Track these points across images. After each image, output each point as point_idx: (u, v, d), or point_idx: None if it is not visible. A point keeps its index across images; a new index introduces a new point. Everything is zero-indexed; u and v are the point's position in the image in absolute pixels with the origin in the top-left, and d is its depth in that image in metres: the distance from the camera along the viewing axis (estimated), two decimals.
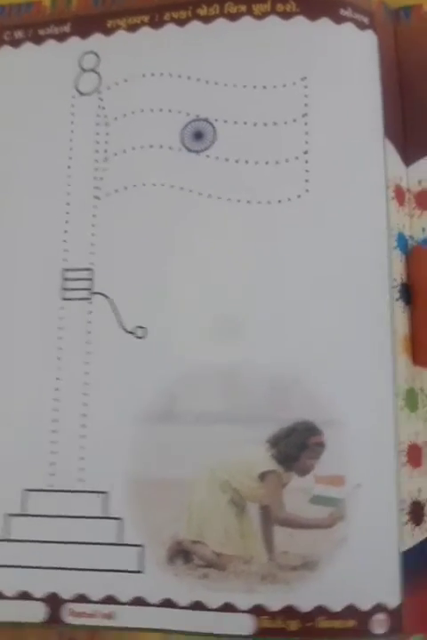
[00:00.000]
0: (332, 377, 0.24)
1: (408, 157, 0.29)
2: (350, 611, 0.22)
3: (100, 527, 0.25)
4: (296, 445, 0.24)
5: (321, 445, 0.23)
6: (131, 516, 0.24)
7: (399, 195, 0.28)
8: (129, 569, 0.24)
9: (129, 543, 0.24)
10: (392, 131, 0.28)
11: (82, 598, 0.24)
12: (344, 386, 0.24)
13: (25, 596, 0.24)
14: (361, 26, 0.29)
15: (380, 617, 0.22)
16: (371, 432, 0.24)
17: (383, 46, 0.29)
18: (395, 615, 0.22)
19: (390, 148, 0.28)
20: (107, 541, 0.24)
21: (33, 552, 0.25)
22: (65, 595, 0.24)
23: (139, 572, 0.24)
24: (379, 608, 0.22)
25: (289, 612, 0.23)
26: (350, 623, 0.22)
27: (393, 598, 0.23)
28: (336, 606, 0.22)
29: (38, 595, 0.24)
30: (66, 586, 0.24)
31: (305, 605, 0.23)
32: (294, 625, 0.23)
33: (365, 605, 0.23)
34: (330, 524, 0.23)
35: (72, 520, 0.25)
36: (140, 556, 0.24)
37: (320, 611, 0.22)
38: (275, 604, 0.23)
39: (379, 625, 0.22)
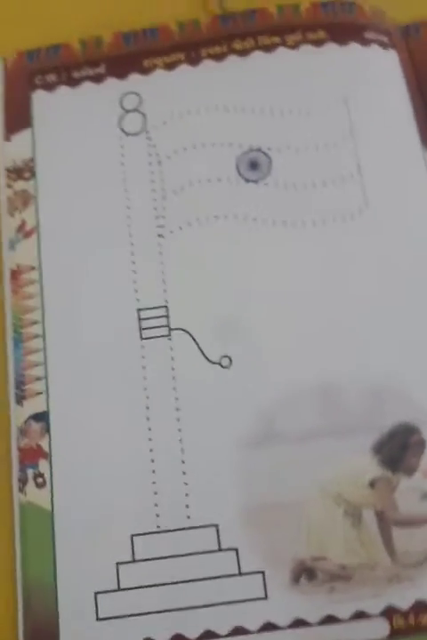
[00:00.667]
0: (421, 378, 0.26)
1: None
2: None
3: (216, 561, 0.25)
4: (399, 447, 0.25)
5: (422, 442, 0.25)
6: (246, 544, 0.25)
7: None
8: (253, 597, 0.25)
9: (249, 571, 0.25)
10: (426, 138, 0.31)
11: (209, 634, 0.24)
12: None
13: None
14: (384, 45, 0.32)
15: None
16: None
17: (402, 61, 0.32)
18: None
19: None
20: (225, 574, 0.25)
21: (149, 597, 0.25)
22: (190, 634, 0.25)
23: (264, 598, 0.25)
24: None
25: (419, 606, 0.24)
26: None
27: None
28: None
29: (163, 639, 0.24)
30: (190, 625, 0.25)
31: None
32: (426, 619, 0.24)
33: None
34: None
35: (185, 558, 0.25)
36: (262, 583, 0.25)
37: None
38: (405, 603, 0.24)
39: None
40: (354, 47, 0.32)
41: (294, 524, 0.25)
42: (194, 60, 0.32)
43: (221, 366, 0.27)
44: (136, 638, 0.25)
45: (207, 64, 0.31)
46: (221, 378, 0.27)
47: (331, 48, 0.31)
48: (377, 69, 0.31)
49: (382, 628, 0.24)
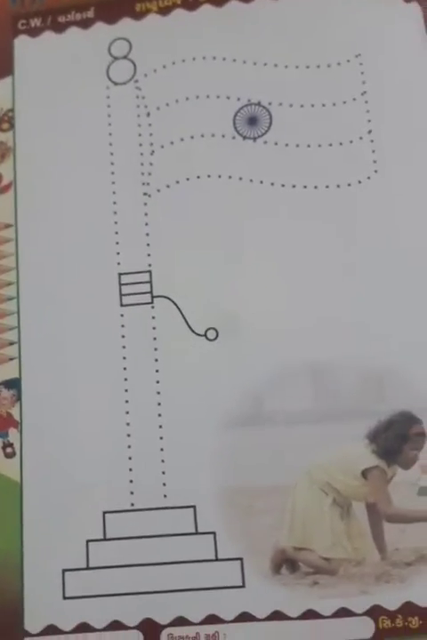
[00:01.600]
0: (422, 364, 0.25)
1: None
2: None
3: (193, 544, 0.25)
4: (397, 437, 0.24)
5: (423, 435, 0.24)
6: (225, 528, 0.25)
7: None
8: (230, 585, 0.24)
9: (227, 557, 0.24)
10: None
11: (181, 621, 0.24)
12: None
13: (117, 625, 0.24)
14: None
15: None
16: None
17: (426, 16, 0.30)
18: None
19: None
20: (201, 558, 0.24)
21: (120, 578, 0.25)
22: (162, 620, 0.24)
23: (241, 586, 0.24)
24: None
25: (408, 608, 0.23)
26: None
27: None
28: None
29: (132, 623, 0.24)
30: (162, 610, 0.24)
31: (424, 600, 0.24)
32: (414, 622, 0.23)
33: None
34: None
35: (160, 539, 0.25)
36: (240, 570, 0.24)
37: None
38: (393, 603, 0.24)
39: None
40: None
41: (278, 510, 0.25)
42: (191, 5, 0.30)
43: (207, 339, 0.27)
44: (103, 620, 0.25)
45: (206, 9, 0.30)
46: (206, 351, 0.27)
47: None
48: (396, 24, 0.30)
49: (367, 627, 0.24)
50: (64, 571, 0.25)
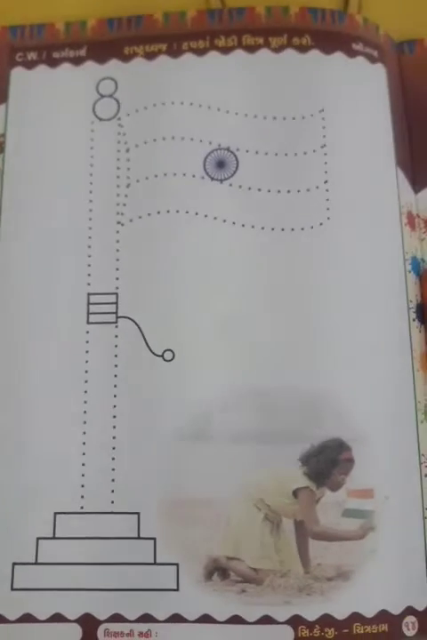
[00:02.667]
0: (358, 395, 0.29)
1: (417, 185, 0.35)
2: (383, 615, 0.27)
3: (134, 548, 0.29)
4: (328, 462, 0.28)
5: (351, 461, 0.28)
6: (164, 535, 0.28)
7: (411, 220, 0.34)
8: (165, 588, 0.28)
9: (164, 562, 0.28)
10: (402, 159, 0.34)
11: (118, 618, 0.28)
12: (370, 404, 0.29)
13: (58, 618, 0.28)
14: (372, 59, 0.35)
15: (410, 620, 0.27)
16: (396, 446, 0.29)
17: (391, 78, 0.35)
18: (424, 617, 0.27)
19: (401, 176, 0.34)
20: (141, 561, 0.28)
21: (65, 574, 0.28)
22: (100, 615, 0.28)
23: (175, 590, 0.28)
24: (409, 611, 0.27)
25: (326, 620, 0.27)
26: (383, 627, 0.27)
27: (422, 600, 0.28)
28: (370, 612, 0.27)
29: (72, 616, 0.28)
30: (100, 606, 0.28)
31: (341, 613, 0.27)
32: (330, 633, 0.27)
33: (396, 609, 0.27)
34: (362, 536, 0.28)
35: (105, 542, 0.29)
36: (175, 575, 0.28)
37: (355, 617, 0.27)
38: (312, 614, 0.27)
39: (409, 627, 0.27)
40: (339, 57, 0.35)
41: (214, 521, 0.29)
42: (175, 52, 0.35)
43: (164, 359, 0.31)
44: (46, 612, 0.28)
45: (188, 57, 0.35)
46: (161, 371, 0.31)
47: (315, 55, 0.35)
48: (360, 82, 0.35)
49: (286, 635, 0.27)
50: (14, 564, 0.29)
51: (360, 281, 0.31)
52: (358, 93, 0.34)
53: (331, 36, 0.35)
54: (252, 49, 0.35)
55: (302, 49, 0.35)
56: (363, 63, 0.35)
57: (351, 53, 0.35)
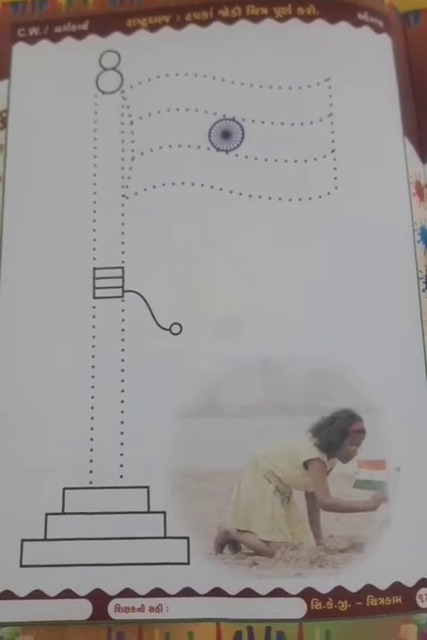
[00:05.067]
0: (369, 366, 0.29)
1: (425, 155, 0.34)
2: (397, 588, 0.26)
3: (144, 522, 0.28)
4: (338, 433, 0.28)
5: (362, 432, 0.27)
6: (174, 508, 0.28)
7: (419, 191, 0.33)
8: (175, 561, 0.27)
9: (174, 536, 0.27)
10: (410, 129, 0.33)
11: (128, 593, 0.27)
12: (380, 374, 0.29)
13: (69, 594, 0.27)
14: (377, 29, 0.34)
15: (424, 591, 0.26)
16: (407, 416, 0.28)
17: (397, 48, 0.34)
18: None
19: (409, 146, 0.33)
20: (151, 535, 0.28)
21: (74, 550, 0.28)
22: (110, 591, 0.27)
23: (186, 563, 0.27)
24: (423, 583, 0.26)
25: (338, 592, 0.26)
26: (397, 599, 0.26)
27: None
28: (383, 584, 0.26)
29: (82, 592, 0.27)
30: (111, 582, 0.27)
31: (354, 586, 0.26)
32: (343, 605, 0.26)
33: (410, 582, 0.27)
34: (374, 507, 0.27)
35: (114, 516, 0.28)
36: (186, 548, 0.27)
37: (368, 590, 0.26)
38: (324, 587, 0.26)
39: (424, 599, 0.26)
40: (344, 26, 0.34)
41: (224, 494, 0.28)
42: (178, 24, 0.34)
43: (172, 333, 0.30)
44: (56, 588, 0.28)
45: (191, 28, 0.34)
46: (169, 344, 0.30)
47: (320, 25, 0.34)
48: (366, 52, 0.33)
49: (299, 608, 0.27)
50: (23, 540, 0.28)
51: (369, 251, 0.30)
52: (364, 63, 0.33)
53: (336, 5, 0.34)
54: (256, 19, 0.34)
55: (307, 18, 0.34)
56: (368, 33, 0.34)
57: (357, 23, 0.34)
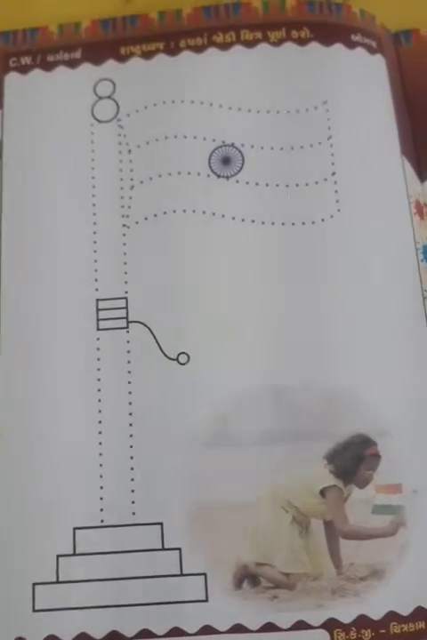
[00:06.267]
0: (378, 389, 0.29)
1: (423, 174, 0.34)
2: (420, 613, 0.27)
3: (159, 559, 0.28)
4: (354, 458, 0.28)
5: (377, 456, 0.28)
6: (190, 544, 0.27)
7: (419, 210, 0.33)
8: (193, 599, 0.27)
9: (191, 573, 0.27)
10: (407, 149, 0.34)
11: (146, 634, 0.27)
12: (391, 396, 0.29)
13: (85, 637, 0.27)
14: (371, 50, 0.35)
15: None
16: (421, 438, 0.28)
17: (390, 68, 0.35)
18: None
19: (408, 166, 0.33)
20: (167, 573, 0.27)
21: (88, 592, 0.27)
22: (127, 632, 0.27)
23: (204, 600, 0.27)
24: None
25: (361, 621, 0.26)
26: (421, 625, 0.26)
27: None
28: (406, 610, 0.26)
29: (99, 635, 0.27)
30: (127, 623, 0.27)
31: (376, 613, 0.26)
32: (367, 634, 0.26)
33: None
34: (393, 532, 0.27)
35: (128, 555, 0.28)
36: (203, 585, 0.27)
37: (392, 617, 0.26)
38: (347, 616, 0.26)
39: None
40: (338, 48, 0.34)
41: (241, 527, 0.28)
42: (172, 51, 0.34)
43: (179, 363, 0.30)
44: (71, 632, 0.27)
45: (186, 55, 0.34)
46: (177, 374, 0.30)
47: (314, 48, 0.34)
48: (361, 73, 0.34)
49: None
50: (34, 584, 0.28)
51: (374, 273, 0.31)
52: (360, 84, 0.34)
53: (329, 27, 0.35)
54: (251, 44, 0.34)
55: (302, 42, 0.34)
56: (363, 54, 0.34)
57: (351, 45, 0.34)
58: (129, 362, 0.30)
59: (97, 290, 0.31)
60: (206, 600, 0.27)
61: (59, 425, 0.29)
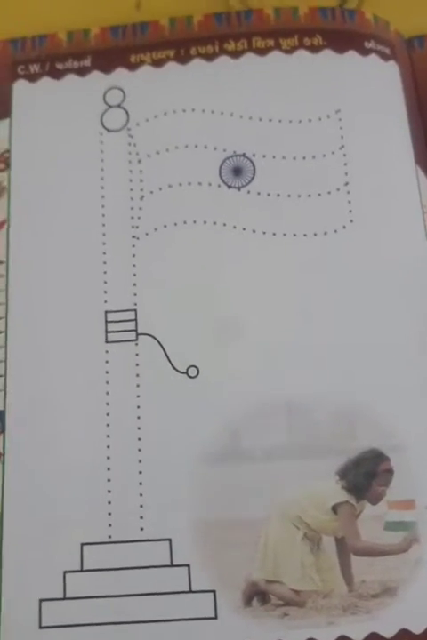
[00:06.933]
0: (392, 402, 0.29)
1: None
2: None
3: (167, 576, 0.28)
4: (366, 474, 0.28)
5: (390, 472, 0.28)
6: (199, 561, 0.28)
7: None
8: (202, 616, 0.27)
9: (200, 590, 0.27)
10: (421, 157, 0.34)
11: None
12: (405, 411, 0.29)
13: None
14: (384, 57, 0.35)
15: None
16: None
17: (404, 75, 0.35)
18: None
19: (422, 175, 0.33)
20: (175, 590, 0.27)
21: (95, 609, 0.28)
22: None
23: (213, 618, 0.27)
24: None
25: (373, 639, 0.26)
26: None
27: None
28: (418, 628, 0.26)
29: None
30: None
31: (388, 632, 0.26)
32: None
33: None
34: (406, 548, 0.27)
35: (136, 571, 0.28)
36: (213, 602, 0.27)
37: (404, 635, 0.26)
38: (358, 634, 0.26)
39: None
40: (352, 56, 0.34)
41: (251, 544, 0.28)
42: (183, 59, 0.35)
43: (188, 376, 0.30)
44: None
45: (197, 63, 0.34)
46: (186, 388, 0.30)
47: (327, 55, 0.34)
48: (375, 81, 0.34)
49: None
50: (41, 600, 0.28)
51: (387, 284, 0.31)
52: (373, 92, 0.34)
53: (342, 34, 0.35)
54: (263, 51, 0.34)
55: (314, 49, 0.34)
56: (376, 61, 0.34)
57: (364, 52, 0.34)
58: (138, 375, 0.30)
59: (106, 302, 0.31)
60: (216, 617, 0.27)
61: (66, 440, 0.29)
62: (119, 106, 0.34)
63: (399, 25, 0.37)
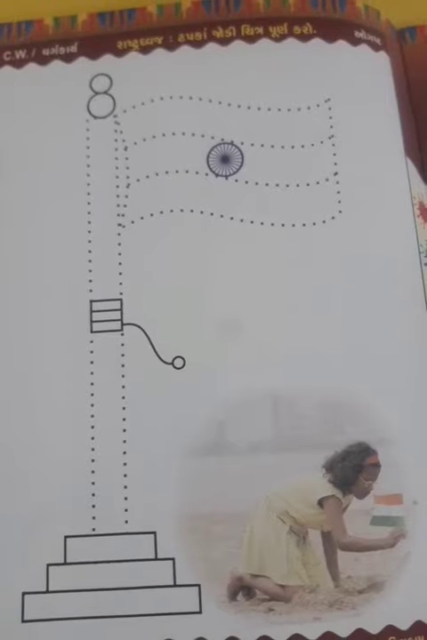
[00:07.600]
0: (379, 396, 0.29)
1: (426, 175, 0.34)
2: (419, 627, 0.26)
3: (152, 570, 0.27)
4: (353, 468, 0.27)
5: (377, 465, 0.27)
6: (184, 554, 0.27)
7: (423, 212, 0.33)
8: (187, 611, 0.27)
9: (184, 584, 0.27)
10: (411, 148, 0.33)
11: None
12: (392, 403, 0.29)
13: None
14: (375, 47, 0.34)
15: None
16: (422, 447, 0.28)
17: (394, 66, 0.35)
18: None
19: (411, 167, 0.33)
20: (160, 584, 0.27)
21: (79, 602, 0.27)
22: None
23: (198, 612, 0.27)
24: None
25: (359, 635, 0.26)
26: (420, 639, 0.26)
27: None
28: (405, 624, 0.26)
29: None
30: (119, 635, 0.27)
31: (374, 627, 0.26)
32: None
33: None
34: (393, 544, 0.27)
35: (120, 565, 0.27)
36: (197, 596, 0.27)
37: (390, 631, 0.26)
38: (344, 630, 0.26)
39: None
40: (342, 45, 0.34)
41: (236, 538, 0.27)
42: (171, 45, 0.34)
43: (174, 367, 0.30)
44: None
45: (185, 50, 0.34)
46: (172, 379, 0.29)
47: (317, 44, 0.34)
48: (364, 71, 0.34)
49: None
50: (24, 594, 0.28)
51: (376, 276, 0.30)
52: (363, 82, 0.34)
53: (333, 23, 0.34)
54: (252, 39, 0.34)
55: (304, 38, 0.34)
56: (366, 51, 0.34)
57: (354, 41, 0.34)
58: (123, 365, 0.30)
59: (91, 291, 0.31)
60: (200, 612, 0.27)
61: (50, 431, 0.29)
62: (106, 93, 0.34)
63: (391, 16, 0.36)
